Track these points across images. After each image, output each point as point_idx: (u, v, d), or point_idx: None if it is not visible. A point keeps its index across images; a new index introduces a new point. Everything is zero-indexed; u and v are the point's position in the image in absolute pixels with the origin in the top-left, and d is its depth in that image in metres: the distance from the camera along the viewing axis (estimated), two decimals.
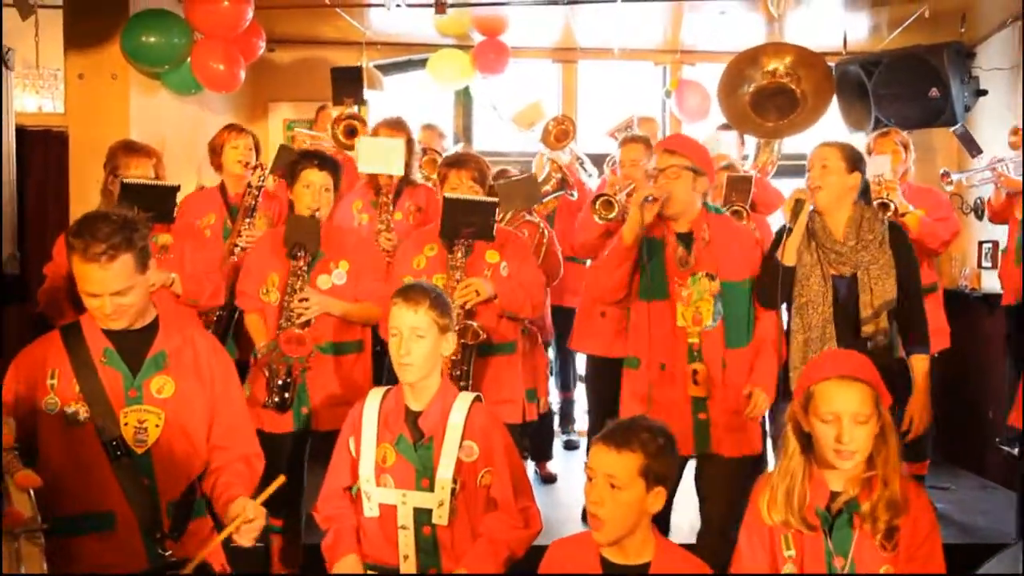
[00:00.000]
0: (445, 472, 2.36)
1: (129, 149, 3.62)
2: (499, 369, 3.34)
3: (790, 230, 3.05)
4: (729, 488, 3.01)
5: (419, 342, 2.37)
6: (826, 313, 3.07)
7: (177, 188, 3.50)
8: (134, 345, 2.29)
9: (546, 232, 4.28)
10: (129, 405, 2.24)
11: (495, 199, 3.33)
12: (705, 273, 3.00)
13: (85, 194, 4.29)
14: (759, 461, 3.18)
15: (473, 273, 3.25)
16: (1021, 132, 4.31)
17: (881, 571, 2.12)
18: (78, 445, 2.21)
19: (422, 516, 2.38)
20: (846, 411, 2.09)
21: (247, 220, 3.84)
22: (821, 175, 3.12)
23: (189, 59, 4.68)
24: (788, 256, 3.06)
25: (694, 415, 2.99)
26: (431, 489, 2.37)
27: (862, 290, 3.08)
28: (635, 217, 2.95)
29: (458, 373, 3.15)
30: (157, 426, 2.25)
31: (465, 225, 3.21)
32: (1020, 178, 4.42)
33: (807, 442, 2.19)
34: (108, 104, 4.59)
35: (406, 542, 2.38)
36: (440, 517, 2.36)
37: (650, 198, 2.94)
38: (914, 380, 3.13)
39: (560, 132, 4.78)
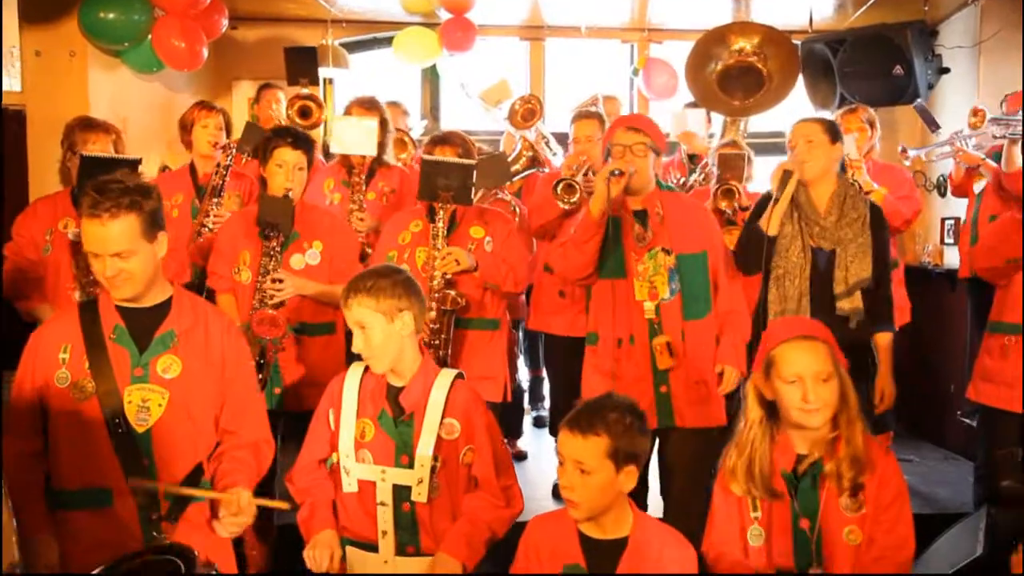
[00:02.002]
0: (425, 449, 2.35)
1: (87, 125, 3.56)
2: (482, 345, 3.36)
3: (776, 200, 3.11)
4: (692, 460, 3.06)
5: (365, 333, 2.33)
6: (803, 285, 3.14)
7: (138, 161, 3.43)
8: (145, 323, 2.27)
9: (518, 209, 4.28)
10: (134, 383, 2.23)
11: (472, 161, 3.32)
12: (661, 248, 3.04)
13: (44, 173, 4.20)
14: (724, 432, 3.22)
15: (457, 246, 3.26)
16: (981, 112, 4.36)
17: (845, 532, 2.17)
18: (83, 420, 2.20)
19: (402, 493, 2.37)
20: (808, 370, 2.14)
21: (215, 200, 3.78)
22: (808, 150, 3.19)
23: (150, 36, 4.58)
24: (773, 226, 3.13)
25: (656, 388, 3.01)
26: (410, 466, 2.36)
27: (838, 266, 3.17)
28: (601, 191, 2.95)
29: (436, 342, 3.17)
30: (160, 406, 2.23)
31: (443, 187, 3.21)
32: (979, 153, 4.50)
33: (770, 410, 2.23)
34: (67, 82, 4.48)
35: (385, 518, 2.37)
36: (419, 494, 2.35)
37: (617, 172, 2.94)
38: (878, 356, 3.22)
39: (527, 111, 4.76)
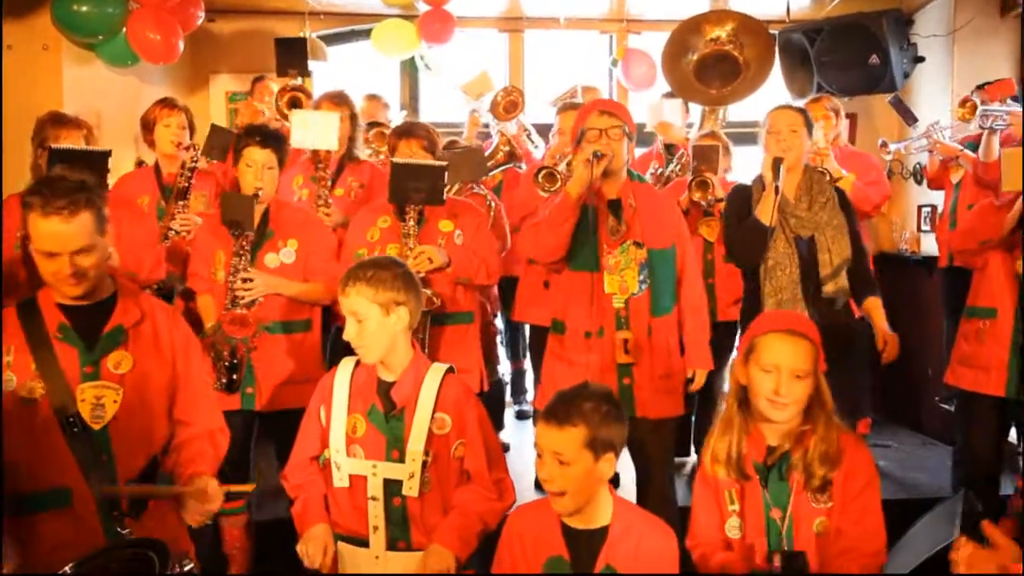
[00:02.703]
0: (416, 444, 2.35)
1: (58, 121, 3.50)
2: (457, 338, 3.34)
3: (777, 188, 3.13)
4: (655, 448, 3.09)
5: (361, 324, 2.33)
6: (794, 274, 3.18)
7: (108, 153, 3.37)
8: (90, 320, 2.23)
9: (493, 204, 4.27)
10: (85, 381, 2.19)
11: (443, 163, 3.30)
12: (633, 241, 3.03)
13: (17, 169, 4.14)
14: (683, 420, 3.26)
15: (427, 242, 3.24)
16: (971, 102, 4.38)
17: (816, 523, 2.19)
18: (35, 422, 2.16)
19: (392, 487, 2.36)
20: (787, 364, 2.15)
21: (180, 203, 3.70)
22: (791, 138, 3.21)
23: (124, 29, 4.53)
24: (767, 214, 3.14)
25: (619, 380, 3.01)
26: (402, 460, 2.35)
27: (820, 250, 3.22)
28: (582, 174, 2.94)
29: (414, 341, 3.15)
30: (115, 402, 2.20)
31: (414, 190, 3.19)
32: (955, 145, 4.54)
33: (744, 396, 2.25)
34: (40, 76, 4.43)
35: (376, 513, 2.37)
36: (411, 489, 2.35)
37: (598, 154, 2.93)
38: (872, 317, 3.30)
39: (508, 103, 4.75)
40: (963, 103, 4.44)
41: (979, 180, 4.33)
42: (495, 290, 4.46)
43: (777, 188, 3.13)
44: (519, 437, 4.87)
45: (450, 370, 2.47)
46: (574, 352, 3.07)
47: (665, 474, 3.14)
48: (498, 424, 4.81)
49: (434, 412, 2.37)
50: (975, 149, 4.39)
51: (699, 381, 3.13)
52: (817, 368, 2.19)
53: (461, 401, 2.42)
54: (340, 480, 2.39)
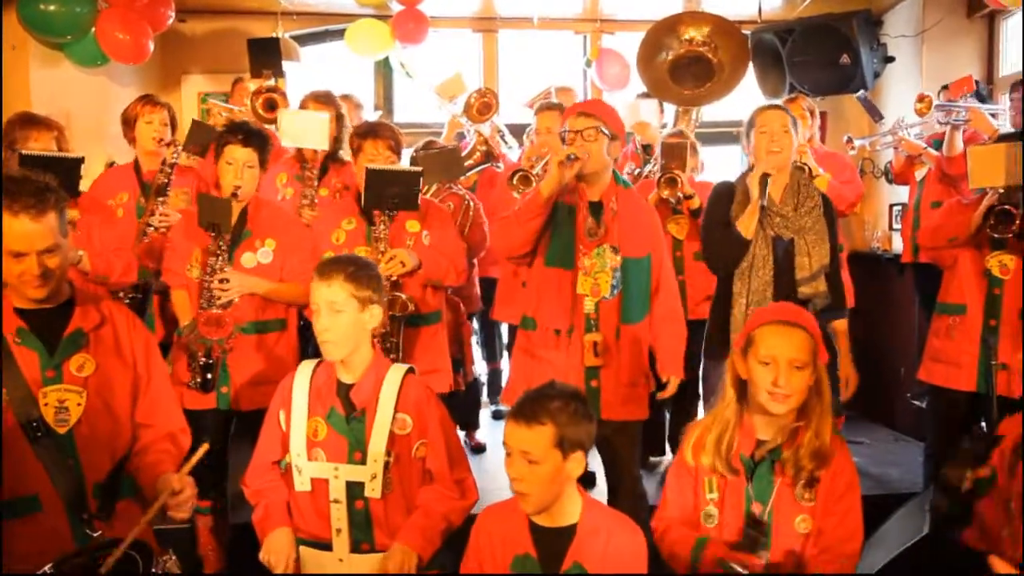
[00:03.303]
0: (378, 445, 2.35)
1: (28, 122, 3.46)
2: (427, 340, 3.34)
3: (763, 207, 3.15)
4: (622, 448, 3.09)
5: (337, 316, 2.33)
6: (767, 276, 3.18)
7: (81, 160, 3.35)
8: (50, 324, 2.19)
9: (471, 203, 4.27)
10: (47, 385, 2.15)
11: (419, 168, 3.30)
12: (610, 246, 3.02)
13: None
14: (658, 420, 3.26)
15: (395, 243, 3.23)
16: (928, 99, 4.45)
17: (797, 521, 2.19)
18: None
19: (355, 489, 2.36)
20: (784, 355, 2.15)
21: (160, 199, 3.68)
22: (784, 138, 3.23)
23: (93, 29, 4.48)
24: (748, 229, 3.16)
25: (587, 382, 3.00)
26: (364, 462, 2.35)
27: (799, 253, 3.22)
28: (554, 174, 2.93)
29: (388, 345, 3.14)
30: (79, 405, 2.18)
31: (390, 196, 3.17)
32: (919, 142, 4.60)
33: (743, 390, 2.24)
34: (8, 77, 4.36)
35: (338, 516, 2.36)
36: (373, 490, 2.35)
37: (572, 156, 2.92)
38: (837, 342, 3.30)
39: (482, 105, 4.74)
40: (920, 99, 4.52)
41: (943, 176, 4.40)
42: (476, 290, 4.46)
43: (763, 206, 3.15)
44: (495, 437, 4.86)
45: (410, 371, 2.47)
46: (542, 348, 3.06)
47: (634, 473, 3.15)
48: (474, 424, 4.81)
49: (395, 413, 2.37)
50: (940, 147, 4.46)
51: (672, 388, 3.12)
52: (816, 359, 2.18)
53: (422, 401, 2.42)
54: (302, 484, 2.38)
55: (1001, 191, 3.32)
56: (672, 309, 3.14)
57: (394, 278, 3.17)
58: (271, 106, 4.34)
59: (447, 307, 3.63)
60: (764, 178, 3.15)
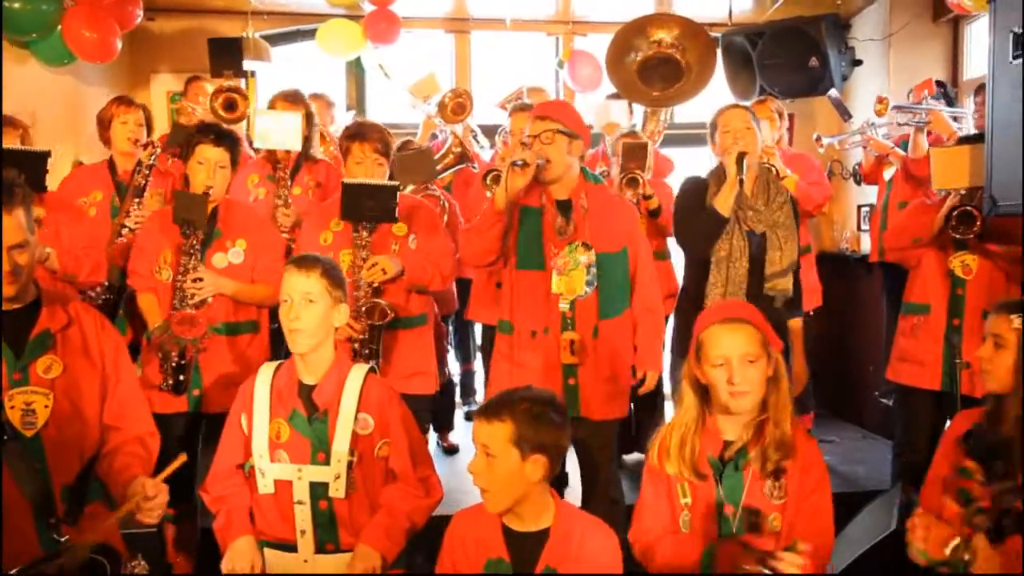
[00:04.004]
0: (341, 445, 2.35)
1: None
2: (411, 342, 3.32)
3: (741, 181, 3.14)
4: (599, 449, 3.09)
5: (309, 307, 2.36)
6: (744, 268, 3.19)
7: (47, 154, 3.30)
8: (16, 325, 2.16)
9: (446, 204, 4.27)
10: (14, 387, 2.13)
11: (396, 183, 3.26)
12: (581, 243, 3.00)
13: None
14: (626, 422, 3.27)
15: (381, 246, 3.21)
16: (886, 100, 4.52)
17: (770, 519, 2.19)
18: None
19: (318, 490, 2.36)
20: (734, 352, 2.15)
21: (136, 200, 3.66)
22: (748, 135, 3.25)
23: (60, 27, 4.42)
24: (726, 206, 3.16)
25: (564, 380, 3.00)
26: (327, 463, 2.35)
27: (771, 247, 3.24)
28: (506, 179, 2.91)
29: (367, 352, 3.12)
30: (46, 407, 2.15)
31: (367, 209, 3.16)
32: (887, 142, 4.67)
33: (704, 394, 2.25)
34: None
35: (303, 517, 2.36)
36: (337, 490, 2.35)
37: (520, 162, 2.91)
38: (793, 342, 3.31)
39: (456, 105, 4.74)
40: (879, 101, 4.58)
41: (909, 176, 4.47)
42: (453, 291, 4.46)
43: (741, 181, 3.14)
44: (469, 438, 4.85)
45: (372, 370, 2.48)
46: (520, 351, 3.05)
47: (609, 474, 3.15)
48: (447, 425, 4.81)
49: (357, 413, 2.38)
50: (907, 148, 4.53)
51: (650, 383, 3.11)
52: (769, 349, 2.19)
53: (384, 401, 2.43)
54: (265, 487, 2.38)
55: (963, 192, 3.39)
56: (650, 302, 3.12)
57: (375, 284, 3.16)
58: (230, 106, 4.31)
59: None
60: (741, 156, 3.14)
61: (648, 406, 4.18)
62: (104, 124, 3.90)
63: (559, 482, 3.18)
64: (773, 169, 3.85)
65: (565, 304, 3.00)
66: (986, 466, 2.20)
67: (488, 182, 3.92)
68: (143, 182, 3.66)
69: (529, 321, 3.04)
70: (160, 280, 3.19)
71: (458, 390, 5.20)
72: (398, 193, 3.21)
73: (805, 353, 3.43)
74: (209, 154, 3.19)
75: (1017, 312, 2.22)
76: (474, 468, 2.08)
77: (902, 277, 3.80)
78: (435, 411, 4.55)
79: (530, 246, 3.03)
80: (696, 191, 3.33)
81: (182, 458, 2.11)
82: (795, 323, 3.36)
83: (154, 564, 3.12)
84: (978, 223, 3.32)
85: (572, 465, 3.23)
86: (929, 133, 4.42)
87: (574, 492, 3.24)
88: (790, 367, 3.22)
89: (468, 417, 5.20)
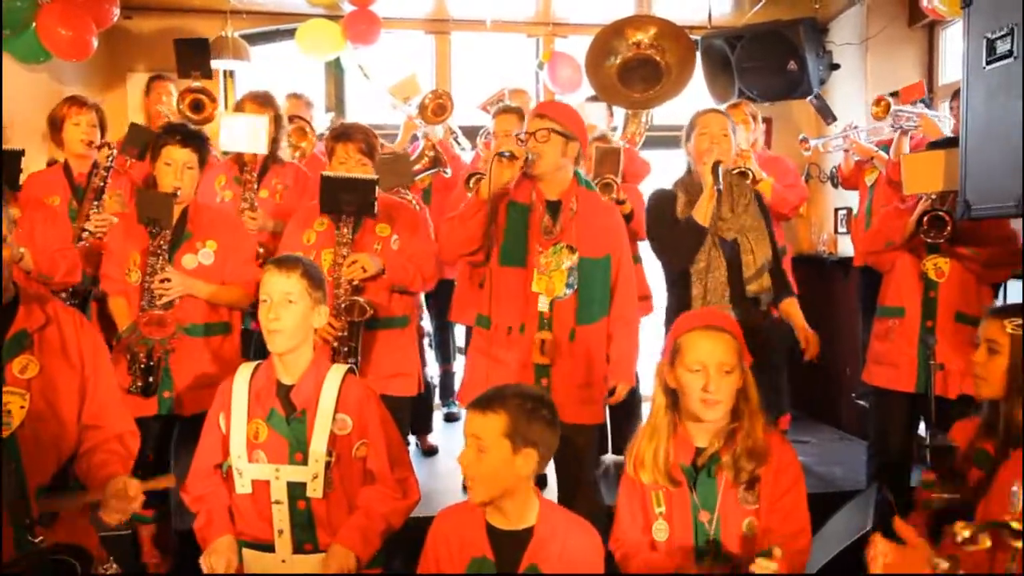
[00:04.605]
0: (319, 445, 2.35)
1: None
2: (393, 342, 3.31)
3: (719, 191, 3.15)
4: (573, 452, 3.04)
5: (289, 308, 2.36)
6: (722, 276, 3.21)
7: (21, 153, 3.27)
8: None
9: (418, 209, 4.25)
10: None
11: (374, 177, 3.26)
12: (566, 245, 3.00)
13: None
14: (602, 428, 3.26)
15: (363, 247, 3.21)
16: (885, 102, 4.54)
17: (745, 524, 2.21)
18: None
19: (296, 490, 2.36)
20: (712, 360, 2.17)
21: (95, 203, 3.61)
22: (724, 141, 3.27)
23: (35, 24, 4.37)
24: (706, 216, 3.17)
25: (537, 380, 2.99)
26: (305, 463, 2.36)
27: (744, 251, 3.26)
28: (493, 172, 2.91)
29: (346, 349, 3.12)
30: (22, 407, 2.12)
31: (345, 203, 3.16)
32: (870, 146, 4.71)
33: (673, 400, 2.26)
34: None
35: (280, 517, 2.36)
36: (315, 490, 2.35)
37: (506, 153, 2.91)
38: (794, 319, 3.36)
39: (437, 107, 4.73)
40: (877, 102, 4.61)
41: (891, 181, 4.51)
42: (420, 297, 4.45)
43: (719, 191, 3.15)
44: (448, 440, 4.86)
45: (350, 371, 2.48)
46: (496, 347, 3.04)
47: (587, 478, 3.14)
48: (426, 427, 4.79)
49: (335, 413, 2.38)
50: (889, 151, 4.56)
51: (620, 394, 3.08)
52: (742, 362, 2.21)
53: (362, 401, 2.43)
54: (243, 487, 2.38)
55: (935, 197, 3.42)
56: (627, 313, 3.10)
57: (356, 282, 3.15)
58: (197, 107, 4.28)
59: None
60: (716, 165, 3.16)
61: (622, 411, 4.17)
62: (56, 125, 3.82)
63: (539, 483, 3.17)
64: (749, 174, 3.88)
65: (544, 304, 3.00)
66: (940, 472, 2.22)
67: (471, 185, 3.92)
68: (101, 184, 3.61)
69: (507, 317, 3.04)
70: (130, 283, 3.17)
71: (437, 392, 5.20)
72: (376, 187, 3.21)
73: (785, 351, 3.46)
74: (176, 155, 3.17)
75: (1011, 316, 2.22)
76: (464, 459, 2.09)
77: (879, 280, 3.83)
78: (414, 413, 4.56)
79: (514, 242, 3.02)
80: (665, 204, 3.33)
81: (170, 480, 2.11)
82: (789, 303, 3.39)
83: (129, 565, 3.13)
84: (949, 227, 3.35)
85: (549, 468, 3.23)
86: (912, 137, 4.46)
87: (551, 495, 3.23)
88: (777, 364, 3.26)
89: (448, 419, 5.20)
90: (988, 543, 1.58)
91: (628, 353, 3.10)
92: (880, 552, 1.85)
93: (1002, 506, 1.86)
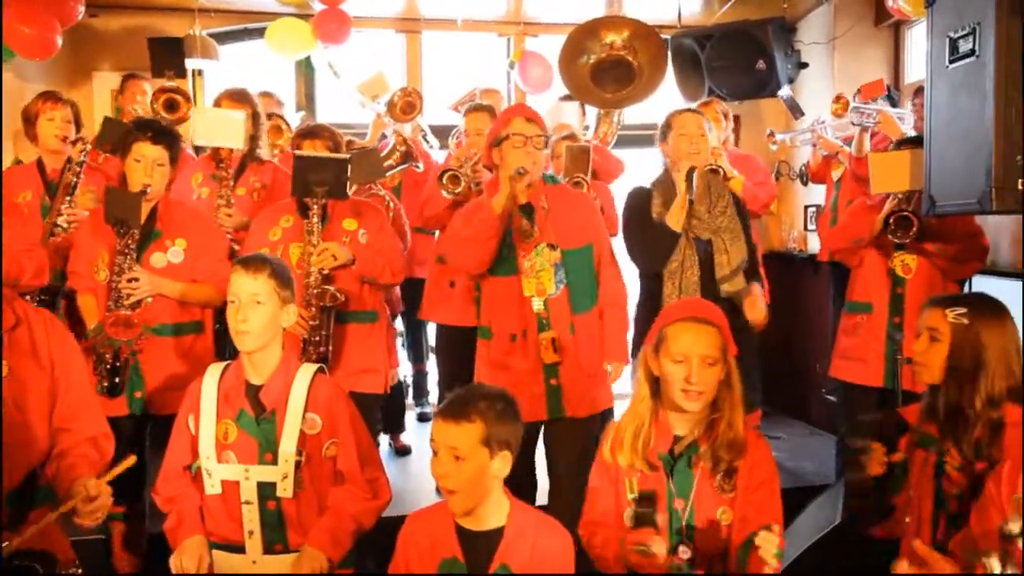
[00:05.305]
0: (288, 445, 2.35)
1: None
2: (362, 338, 3.32)
3: (691, 201, 3.18)
4: (580, 446, 3.10)
5: (257, 309, 2.35)
6: (695, 276, 3.24)
7: None
8: None
9: (392, 204, 4.25)
10: None
11: (346, 155, 3.28)
12: (547, 244, 3.04)
13: None
14: (608, 414, 3.29)
15: (331, 240, 3.21)
16: (844, 100, 4.61)
17: (719, 513, 2.23)
18: None
19: (266, 490, 2.36)
20: (696, 352, 2.19)
21: (67, 198, 3.56)
22: (701, 142, 3.30)
23: None
24: (678, 222, 3.20)
25: (546, 381, 3.04)
26: (275, 463, 2.35)
27: (718, 251, 3.30)
28: (506, 190, 2.95)
29: (317, 338, 3.12)
30: None
31: (317, 184, 3.15)
32: (836, 141, 4.77)
33: (656, 387, 2.28)
34: None
35: (250, 517, 2.36)
36: (284, 490, 2.35)
37: (522, 170, 2.95)
38: (754, 297, 3.35)
39: (406, 104, 4.72)
40: (837, 99, 4.67)
41: (855, 176, 4.57)
42: (397, 291, 4.44)
43: (691, 201, 3.19)
44: (421, 440, 4.84)
45: (320, 370, 2.47)
46: (502, 355, 3.08)
47: (577, 483, 3.14)
48: (399, 427, 4.78)
49: (305, 412, 2.37)
50: None
51: (616, 374, 3.16)
52: (727, 354, 2.23)
53: (332, 401, 2.43)
54: (212, 487, 2.38)
55: (902, 196, 3.47)
56: (614, 296, 3.18)
57: (326, 271, 3.15)
58: (171, 106, 4.24)
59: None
60: (690, 172, 3.20)
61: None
62: (30, 121, 3.78)
63: (530, 487, 3.18)
64: (720, 171, 3.91)
65: (539, 304, 3.03)
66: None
67: (444, 182, 3.91)
68: (74, 179, 3.57)
69: (507, 325, 3.07)
70: (99, 281, 3.14)
71: (411, 391, 5.19)
72: (348, 167, 3.22)
73: (753, 353, 3.48)
74: (147, 151, 3.14)
75: (951, 306, 2.27)
76: (442, 471, 2.05)
77: (848, 275, 3.87)
78: (387, 412, 4.55)
79: (502, 252, 3.05)
80: (641, 203, 3.37)
81: (131, 459, 2.07)
82: (754, 286, 3.39)
83: (100, 565, 3.09)
84: (915, 227, 3.40)
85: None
86: (875, 134, 4.52)
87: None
88: (749, 361, 3.29)
89: (420, 418, 5.19)
90: None
91: (621, 333, 3.18)
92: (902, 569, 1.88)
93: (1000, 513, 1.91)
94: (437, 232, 4.29)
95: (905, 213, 3.42)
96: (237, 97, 3.92)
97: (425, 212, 4.11)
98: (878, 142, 4.43)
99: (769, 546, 2.00)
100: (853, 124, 4.54)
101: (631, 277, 3.52)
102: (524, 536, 2.12)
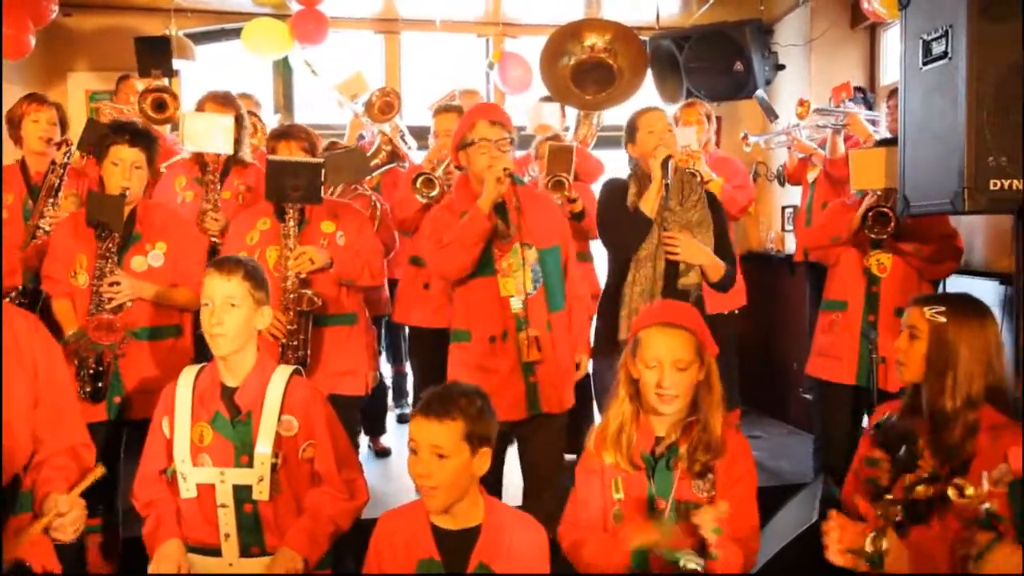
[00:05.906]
0: (264, 447, 2.33)
1: None
2: (341, 340, 3.30)
3: (667, 186, 3.18)
4: (555, 442, 3.14)
5: (232, 312, 2.34)
6: (659, 267, 3.23)
7: None
8: None
9: (378, 204, 4.24)
10: None
11: (320, 160, 3.26)
12: (521, 243, 3.04)
13: None
14: (573, 414, 3.31)
15: (308, 243, 3.19)
16: (807, 103, 4.65)
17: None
18: None
19: (242, 493, 2.34)
20: (667, 357, 2.20)
21: (50, 200, 3.54)
22: (670, 137, 3.32)
23: None
24: (652, 209, 3.20)
25: (526, 380, 3.04)
26: (250, 465, 2.34)
27: None
28: (492, 191, 2.94)
29: (295, 343, 3.10)
30: None
31: (291, 188, 3.13)
32: (812, 144, 4.81)
33: (636, 389, 2.29)
34: None
35: (227, 520, 2.34)
36: (261, 493, 2.33)
37: (508, 170, 2.95)
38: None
39: (384, 104, 4.70)
40: (800, 103, 4.72)
41: (829, 177, 4.61)
42: (386, 292, 4.43)
43: (667, 186, 3.19)
44: (401, 441, 4.83)
45: (296, 372, 2.46)
46: (482, 358, 3.07)
47: (559, 470, 3.19)
48: (379, 428, 4.77)
49: (280, 414, 2.36)
50: None
51: (584, 367, 3.21)
52: (703, 355, 2.24)
53: (308, 402, 2.42)
54: (187, 491, 2.36)
55: (880, 193, 3.51)
56: (577, 290, 3.24)
57: (303, 275, 3.13)
58: (160, 106, 4.20)
59: None
60: (666, 160, 3.20)
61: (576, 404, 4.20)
62: (14, 123, 3.76)
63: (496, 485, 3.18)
64: (697, 175, 3.93)
65: (518, 304, 3.04)
66: (892, 455, 2.29)
67: (418, 185, 3.91)
68: (57, 182, 3.56)
69: (487, 327, 3.06)
70: (76, 285, 3.10)
71: (390, 392, 5.17)
72: (322, 172, 3.20)
73: (730, 351, 3.50)
74: (124, 154, 3.11)
75: (931, 305, 2.30)
76: (423, 470, 2.04)
77: (824, 274, 3.91)
78: (366, 414, 4.54)
79: (480, 254, 3.04)
80: (618, 193, 3.38)
81: (99, 471, 2.05)
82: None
83: (75, 573, 3.05)
84: (893, 224, 3.44)
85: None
86: (847, 136, 4.57)
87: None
88: (726, 359, 3.31)
89: (400, 420, 5.18)
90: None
91: (585, 326, 3.24)
92: (835, 525, 1.93)
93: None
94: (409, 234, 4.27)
95: (883, 209, 3.46)
96: (222, 100, 3.87)
97: (398, 215, 4.11)
98: (854, 144, 4.47)
99: (706, 521, 2.03)
100: (818, 126, 4.59)
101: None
102: (501, 534, 2.11)
